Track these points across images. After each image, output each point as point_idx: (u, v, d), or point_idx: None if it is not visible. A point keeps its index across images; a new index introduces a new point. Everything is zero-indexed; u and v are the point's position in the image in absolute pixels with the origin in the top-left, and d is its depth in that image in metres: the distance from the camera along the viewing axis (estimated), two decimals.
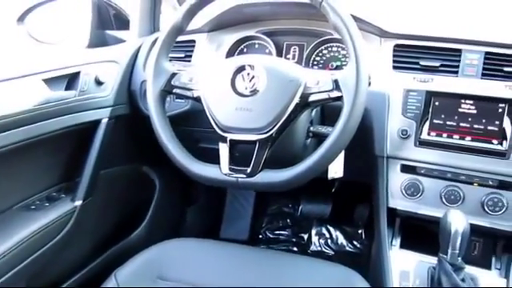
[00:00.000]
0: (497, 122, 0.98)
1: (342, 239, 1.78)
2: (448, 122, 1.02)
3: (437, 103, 1.02)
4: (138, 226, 1.46)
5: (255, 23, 1.26)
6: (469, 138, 1.00)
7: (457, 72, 1.02)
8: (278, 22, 1.25)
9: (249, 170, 0.80)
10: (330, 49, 1.19)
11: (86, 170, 1.15)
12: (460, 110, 1.00)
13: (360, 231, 1.78)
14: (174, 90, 0.90)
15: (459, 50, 1.03)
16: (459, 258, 0.89)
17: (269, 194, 1.90)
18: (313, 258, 0.94)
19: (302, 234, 1.83)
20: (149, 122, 0.90)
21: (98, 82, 1.14)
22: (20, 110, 0.92)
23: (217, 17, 1.22)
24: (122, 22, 1.46)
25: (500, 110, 0.98)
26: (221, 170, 0.83)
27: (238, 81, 0.84)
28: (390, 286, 1.03)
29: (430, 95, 1.02)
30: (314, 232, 1.82)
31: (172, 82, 0.90)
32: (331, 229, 1.81)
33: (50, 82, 1.01)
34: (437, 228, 0.93)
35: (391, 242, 1.11)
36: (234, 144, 0.83)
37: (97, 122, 1.16)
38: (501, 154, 0.98)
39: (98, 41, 1.34)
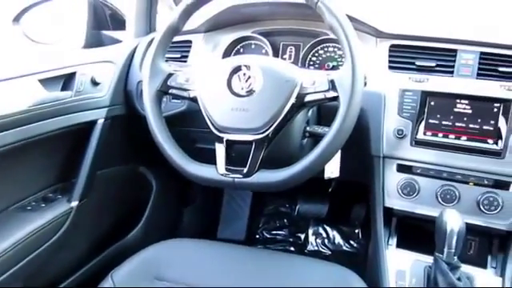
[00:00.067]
0: (492, 122, 0.99)
1: (338, 239, 1.79)
2: (443, 122, 1.02)
3: (432, 103, 1.02)
4: (135, 227, 1.46)
5: (251, 23, 1.26)
6: (464, 137, 1.01)
7: (452, 72, 1.03)
8: (274, 23, 1.25)
9: (245, 170, 0.80)
10: (326, 49, 1.19)
11: (82, 171, 1.15)
12: (455, 109, 1.01)
13: (357, 231, 1.78)
14: (170, 91, 0.90)
15: (454, 50, 1.04)
16: (455, 257, 0.90)
17: (266, 194, 1.91)
18: (310, 258, 0.94)
19: (299, 234, 1.83)
20: (145, 123, 0.90)
21: (94, 83, 1.13)
22: (16, 111, 0.92)
23: (213, 17, 1.22)
24: (118, 23, 1.46)
25: (495, 110, 0.98)
26: (217, 171, 0.83)
27: (234, 81, 0.84)
28: (386, 285, 1.03)
29: (426, 95, 1.02)
30: (310, 232, 1.82)
31: (168, 83, 0.90)
32: (328, 228, 1.81)
33: (45, 82, 1.00)
34: (433, 227, 0.93)
35: (388, 241, 1.11)
36: (230, 144, 0.83)
37: (93, 123, 1.15)
38: (496, 154, 0.98)
39: (94, 41, 1.34)
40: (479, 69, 1.01)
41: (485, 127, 0.99)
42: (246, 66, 0.84)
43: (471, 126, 1.00)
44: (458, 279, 0.90)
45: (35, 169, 1.09)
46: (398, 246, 1.11)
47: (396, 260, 1.06)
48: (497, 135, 0.98)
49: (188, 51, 1.26)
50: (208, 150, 0.85)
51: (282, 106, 0.80)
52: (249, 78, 0.83)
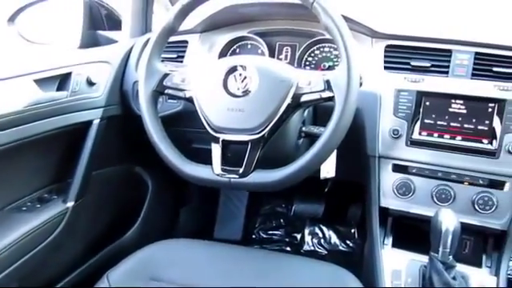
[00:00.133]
0: (487, 122, 0.99)
1: (334, 239, 1.79)
2: (439, 122, 1.02)
3: (427, 103, 1.03)
4: (131, 227, 1.46)
5: (247, 24, 1.26)
6: (459, 137, 1.01)
7: (447, 72, 1.03)
8: (270, 23, 1.25)
9: (241, 170, 0.81)
10: (322, 49, 1.19)
11: (78, 171, 1.14)
12: (450, 109, 1.01)
13: (353, 230, 1.78)
14: (166, 91, 0.90)
15: (449, 51, 1.04)
16: (450, 257, 0.90)
17: (262, 194, 1.91)
18: (306, 258, 0.95)
19: (295, 234, 1.83)
20: (141, 123, 0.90)
21: (90, 83, 1.13)
22: (11, 111, 0.91)
23: (209, 17, 1.22)
24: (114, 23, 1.45)
25: (490, 110, 0.99)
26: (213, 171, 0.83)
27: (230, 81, 0.84)
28: (382, 285, 1.03)
29: (421, 95, 1.03)
30: (307, 232, 1.82)
31: (164, 83, 0.89)
32: (324, 228, 1.82)
33: (41, 82, 1.00)
34: (428, 227, 0.93)
35: (383, 241, 1.12)
36: (226, 144, 0.83)
37: (89, 123, 1.15)
38: (491, 154, 0.99)
39: (90, 41, 1.34)
40: (474, 69, 1.02)
41: (479, 127, 1.00)
42: (241, 66, 0.84)
43: (466, 126, 1.01)
44: (453, 278, 0.91)
45: (30, 169, 1.08)
46: (394, 245, 1.11)
47: (391, 260, 1.07)
48: (491, 135, 0.99)
49: (184, 51, 1.26)
50: (204, 150, 0.85)
51: (277, 107, 0.80)
52: (245, 78, 0.83)
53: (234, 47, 1.25)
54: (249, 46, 1.25)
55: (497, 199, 0.99)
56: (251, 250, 1.21)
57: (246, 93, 0.82)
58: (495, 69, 1.00)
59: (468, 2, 1.45)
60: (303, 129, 0.96)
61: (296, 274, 0.88)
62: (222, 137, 0.83)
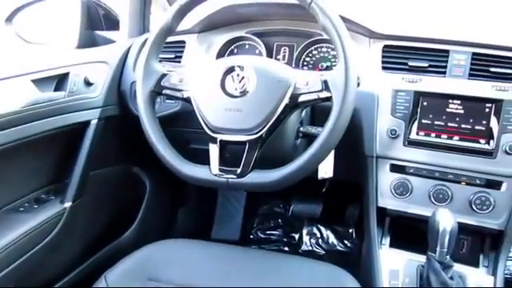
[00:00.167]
0: (484, 122, 1.00)
1: (332, 239, 1.79)
2: (436, 122, 1.03)
3: (425, 103, 1.03)
4: (129, 228, 1.46)
5: (245, 24, 1.26)
6: (456, 137, 1.02)
7: (444, 72, 1.03)
8: (268, 23, 1.25)
9: (239, 170, 0.81)
10: (319, 49, 1.19)
11: (76, 172, 1.14)
12: (448, 109, 1.02)
13: (351, 230, 1.79)
14: (164, 91, 0.90)
15: (447, 51, 1.04)
16: (447, 257, 0.90)
17: (260, 194, 1.91)
18: (304, 258, 0.95)
19: (293, 234, 1.83)
20: (139, 123, 0.90)
21: (88, 83, 1.13)
22: (8, 111, 0.91)
23: (207, 17, 1.22)
24: (112, 23, 1.45)
25: (487, 110, 0.99)
26: (211, 171, 0.83)
27: (227, 82, 0.84)
28: (379, 284, 1.03)
29: (419, 95, 1.03)
30: (305, 232, 1.82)
31: (162, 83, 0.89)
32: (322, 228, 1.82)
33: (38, 82, 1.00)
34: (426, 227, 0.94)
35: (381, 241, 1.12)
36: (224, 145, 0.83)
37: (86, 123, 1.15)
38: (488, 154, 0.99)
39: (88, 41, 1.34)
40: (471, 69, 1.02)
41: (477, 127, 1.00)
42: (239, 66, 0.84)
43: (463, 126, 1.01)
44: (451, 278, 0.91)
45: (28, 170, 1.08)
46: (391, 245, 1.12)
47: (389, 259, 1.07)
48: (488, 135, 0.99)
49: (182, 52, 1.26)
50: (202, 150, 0.85)
51: (275, 107, 0.80)
52: (242, 78, 0.83)
53: (232, 47, 1.26)
54: (247, 47, 1.25)
55: (494, 199, 1.00)
56: (249, 250, 1.21)
57: (243, 93, 0.82)
58: (492, 69, 1.00)
59: (465, 2, 1.45)
60: (301, 129, 0.96)
61: (294, 274, 0.88)
62: (219, 137, 0.83)
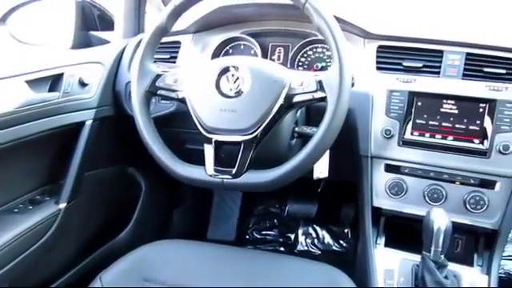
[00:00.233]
0: (478, 122, 1.00)
1: (328, 239, 1.80)
2: (430, 122, 1.03)
3: (419, 103, 1.03)
4: (124, 228, 1.45)
5: (240, 24, 1.26)
6: (451, 137, 1.02)
7: (439, 73, 1.04)
8: (263, 23, 1.25)
9: (234, 170, 0.81)
10: (314, 50, 1.20)
11: (71, 172, 1.14)
12: (442, 110, 1.02)
13: (346, 230, 1.79)
14: (159, 92, 0.90)
15: (441, 51, 1.05)
16: (442, 256, 0.91)
17: (255, 194, 1.91)
18: (299, 258, 0.95)
19: (289, 234, 1.84)
20: (134, 124, 0.90)
21: (82, 84, 1.12)
22: (2, 112, 0.91)
23: (202, 18, 1.22)
24: (107, 23, 1.45)
25: (481, 110, 1.00)
26: (206, 171, 0.83)
27: (222, 82, 0.84)
28: (374, 284, 1.04)
29: (413, 95, 1.03)
30: (300, 232, 1.82)
31: (156, 84, 0.89)
32: (318, 228, 1.82)
33: (32, 83, 0.99)
34: (420, 226, 0.94)
35: (376, 240, 1.12)
36: (219, 145, 0.83)
37: (81, 124, 1.14)
38: (482, 153, 1.00)
39: (82, 42, 1.33)
40: (465, 69, 1.02)
41: (471, 127, 1.01)
42: (234, 66, 0.84)
43: (457, 126, 1.01)
44: (445, 277, 0.91)
45: (22, 171, 1.08)
46: (386, 245, 1.12)
47: (384, 259, 1.07)
48: (482, 135, 1.00)
49: (177, 52, 1.26)
50: (198, 150, 0.85)
51: (270, 107, 0.80)
52: (237, 78, 0.83)
53: (227, 48, 1.25)
54: (242, 47, 1.25)
55: (488, 199, 1.00)
56: (245, 251, 1.21)
57: (238, 93, 0.82)
58: (486, 69, 1.00)
59: (459, 3, 1.46)
60: (296, 129, 0.96)
61: (289, 275, 0.88)
62: (214, 137, 0.83)
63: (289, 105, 0.82)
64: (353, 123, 1.05)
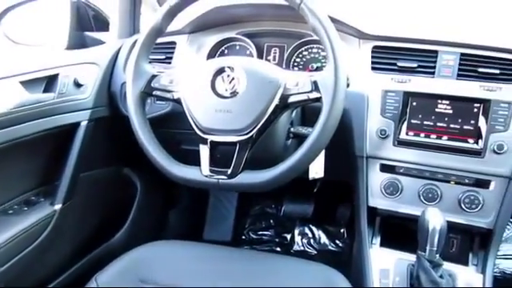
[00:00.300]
0: (472, 122, 1.01)
1: (324, 238, 1.80)
2: (425, 122, 1.04)
3: (414, 103, 1.04)
4: (120, 229, 1.45)
5: (236, 25, 1.26)
6: (445, 137, 1.03)
7: (433, 73, 1.04)
8: (258, 24, 1.25)
9: (229, 171, 0.81)
10: (310, 50, 1.20)
11: (66, 173, 1.13)
12: (437, 110, 1.03)
13: (342, 230, 1.79)
14: (154, 92, 0.90)
15: (435, 52, 1.05)
16: (437, 255, 0.91)
17: (251, 195, 1.91)
18: (295, 258, 0.95)
19: (285, 234, 1.84)
20: (129, 124, 0.89)
21: (78, 84, 1.12)
22: None
23: (197, 18, 1.21)
24: (102, 24, 1.44)
25: (475, 110, 1.00)
26: (201, 172, 0.83)
27: (217, 82, 0.84)
28: (370, 284, 1.04)
29: (408, 96, 1.04)
30: (296, 232, 1.83)
31: (152, 84, 0.89)
32: (314, 228, 1.82)
33: (27, 84, 0.99)
34: (416, 226, 0.94)
35: (371, 240, 1.13)
36: (214, 145, 0.83)
37: (76, 125, 1.14)
38: (476, 153, 1.00)
39: (77, 42, 1.33)
40: (459, 69, 1.03)
41: (465, 127, 1.01)
42: (229, 67, 0.84)
43: (452, 125, 1.02)
44: (441, 277, 0.92)
45: (17, 172, 1.07)
46: (382, 244, 1.12)
47: (380, 259, 1.08)
48: (477, 135, 1.00)
49: (172, 52, 1.25)
50: (193, 151, 0.85)
51: (265, 107, 0.80)
52: (232, 79, 0.83)
53: (223, 48, 1.25)
54: (237, 47, 1.25)
55: (483, 198, 1.01)
56: (241, 251, 1.21)
57: (233, 94, 0.82)
58: (480, 69, 1.01)
59: (453, 3, 1.47)
60: (291, 129, 0.96)
61: (285, 275, 0.88)
62: (210, 138, 0.83)
63: (284, 105, 0.82)
64: (348, 123, 1.06)
